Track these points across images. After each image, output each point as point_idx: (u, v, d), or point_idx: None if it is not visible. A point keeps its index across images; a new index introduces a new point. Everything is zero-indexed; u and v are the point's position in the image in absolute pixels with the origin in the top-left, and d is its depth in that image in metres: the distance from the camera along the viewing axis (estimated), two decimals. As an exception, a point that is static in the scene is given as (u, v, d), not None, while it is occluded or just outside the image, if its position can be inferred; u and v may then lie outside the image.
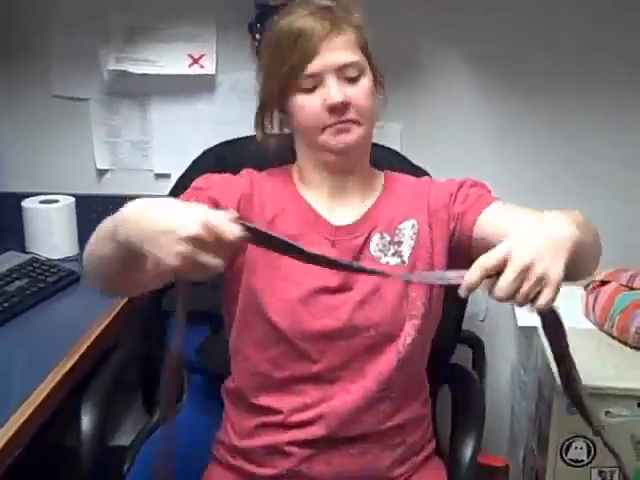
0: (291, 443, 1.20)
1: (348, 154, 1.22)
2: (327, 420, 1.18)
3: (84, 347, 1.42)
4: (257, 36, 1.83)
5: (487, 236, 1.17)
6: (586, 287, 1.82)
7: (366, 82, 1.21)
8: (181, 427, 1.44)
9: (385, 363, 1.19)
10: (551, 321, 1.01)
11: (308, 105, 1.18)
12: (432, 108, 1.89)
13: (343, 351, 1.18)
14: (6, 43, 1.92)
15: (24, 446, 1.20)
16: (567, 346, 1.06)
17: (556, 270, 0.91)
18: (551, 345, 1.09)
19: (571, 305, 1.85)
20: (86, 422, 1.32)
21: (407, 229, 1.24)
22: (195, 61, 1.91)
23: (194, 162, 1.56)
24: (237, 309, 1.22)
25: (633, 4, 1.78)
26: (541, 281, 0.90)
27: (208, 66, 1.91)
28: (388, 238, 1.24)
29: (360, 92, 1.19)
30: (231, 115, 1.91)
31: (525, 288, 0.90)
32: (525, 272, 0.89)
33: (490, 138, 1.92)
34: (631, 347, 1.66)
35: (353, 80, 1.19)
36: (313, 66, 1.16)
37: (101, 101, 1.96)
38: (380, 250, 1.23)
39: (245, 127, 1.54)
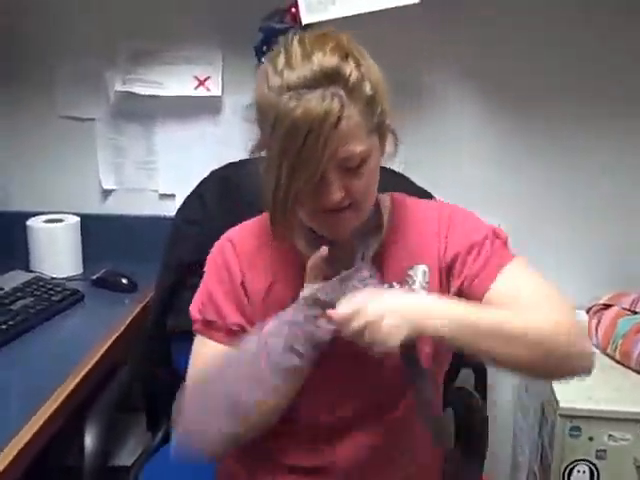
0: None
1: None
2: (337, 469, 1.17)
3: (88, 366, 1.42)
4: (263, 59, 1.84)
5: (494, 303, 1.11)
6: (588, 310, 1.83)
7: (372, 164, 1.06)
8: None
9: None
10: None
11: (312, 208, 1.06)
12: (435, 130, 1.91)
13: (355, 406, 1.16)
14: (13, 64, 1.94)
15: (27, 466, 1.19)
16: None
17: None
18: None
19: (573, 328, 1.85)
20: (89, 442, 1.32)
21: (419, 276, 1.14)
22: (201, 83, 1.92)
23: (200, 183, 1.57)
24: None
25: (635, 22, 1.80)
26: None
27: (214, 88, 1.92)
28: (397, 287, 1.11)
29: (362, 182, 1.05)
30: (236, 137, 1.92)
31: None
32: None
33: (491, 158, 1.93)
34: (634, 371, 1.67)
35: (357, 169, 1.04)
36: (313, 167, 1.00)
37: (107, 122, 1.97)
38: None
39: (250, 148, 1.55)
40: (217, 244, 1.21)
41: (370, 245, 1.15)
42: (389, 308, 1.00)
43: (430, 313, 1.03)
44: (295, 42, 1.02)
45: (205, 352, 1.15)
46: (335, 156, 1.00)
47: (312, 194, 1.03)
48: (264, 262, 1.16)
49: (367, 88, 1.03)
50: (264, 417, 1.09)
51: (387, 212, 1.20)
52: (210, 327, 1.16)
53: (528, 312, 1.07)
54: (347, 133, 1.00)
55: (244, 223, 1.23)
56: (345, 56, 1.01)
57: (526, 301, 1.10)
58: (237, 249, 1.18)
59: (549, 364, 1.08)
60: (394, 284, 1.12)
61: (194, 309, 1.18)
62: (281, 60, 1.01)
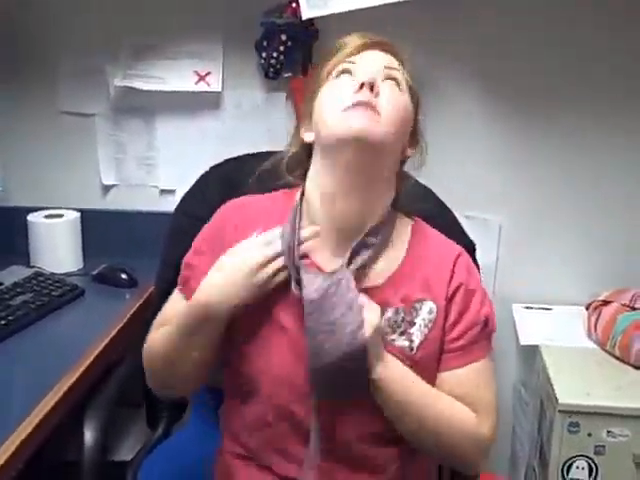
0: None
1: (361, 148, 1.08)
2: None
3: (88, 362, 1.42)
4: (263, 54, 1.85)
5: (445, 384, 1.17)
6: (588, 307, 1.83)
7: (404, 97, 1.15)
8: (186, 443, 1.46)
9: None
10: None
11: (337, 85, 1.14)
12: (435, 128, 1.89)
13: None
14: (14, 59, 1.94)
15: (26, 460, 1.20)
16: None
17: None
18: None
19: (573, 324, 1.86)
20: (89, 437, 1.33)
21: (424, 312, 1.15)
22: (201, 78, 1.92)
23: (200, 179, 1.57)
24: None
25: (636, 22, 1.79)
26: None
27: (214, 83, 1.92)
28: (402, 314, 1.14)
29: (394, 95, 1.13)
30: (236, 132, 1.93)
31: None
32: None
33: (492, 156, 1.93)
34: (633, 367, 1.67)
35: (391, 84, 1.14)
36: (355, 56, 1.16)
37: (107, 117, 1.97)
38: (390, 326, 1.13)
39: (250, 144, 1.56)
40: (222, 209, 1.26)
41: (361, 254, 1.15)
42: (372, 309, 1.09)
43: (385, 357, 1.10)
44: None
45: (170, 301, 1.24)
46: (375, 60, 1.15)
47: (347, 81, 1.13)
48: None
49: (405, 55, 1.21)
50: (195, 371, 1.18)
51: (407, 237, 1.21)
52: (186, 280, 1.22)
53: (462, 419, 1.15)
54: (389, 59, 1.17)
55: (252, 195, 1.27)
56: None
57: (471, 403, 1.16)
58: (238, 216, 1.22)
59: (442, 459, 1.25)
60: (399, 310, 1.14)
61: (184, 260, 1.25)
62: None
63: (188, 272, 1.22)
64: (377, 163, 1.12)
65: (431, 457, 1.24)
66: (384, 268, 1.16)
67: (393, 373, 1.10)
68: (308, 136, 1.19)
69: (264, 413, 1.16)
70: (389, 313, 1.14)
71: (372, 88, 1.10)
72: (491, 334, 1.21)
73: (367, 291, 1.12)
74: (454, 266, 1.18)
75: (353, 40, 1.19)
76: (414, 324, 1.14)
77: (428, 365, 1.16)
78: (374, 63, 1.15)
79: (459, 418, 1.15)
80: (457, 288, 1.17)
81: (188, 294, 1.19)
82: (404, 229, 1.21)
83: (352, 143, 1.08)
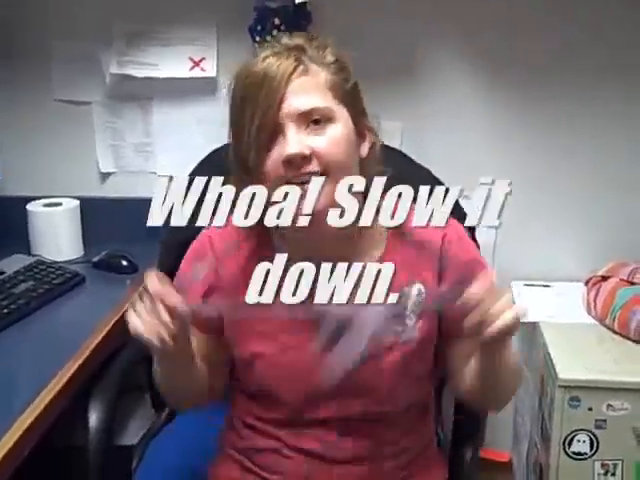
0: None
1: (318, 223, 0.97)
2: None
3: (91, 347, 1.43)
4: (257, 38, 1.84)
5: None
6: (587, 282, 1.84)
7: (335, 129, 1.04)
8: (191, 425, 1.47)
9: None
10: None
11: (271, 161, 1.03)
12: (432, 106, 1.90)
13: None
14: (8, 47, 1.94)
15: (32, 446, 1.21)
16: None
17: None
18: None
19: (572, 300, 1.87)
20: (94, 421, 1.33)
21: (413, 295, 1.12)
22: (196, 64, 1.92)
23: (199, 164, 1.57)
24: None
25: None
26: None
27: (209, 69, 1.92)
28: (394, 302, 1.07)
29: (326, 141, 1.03)
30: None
31: None
32: None
33: (491, 134, 1.93)
34: (632, 341, 1.68)
35: (317, 126, 1.03)
36: (270, 117, 1.02)
37: (103, 104, 1.97)
38: None
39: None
40: (197, 239, 1.20)
41: None
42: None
43: None
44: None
45: None
46: (290, 106, 1.02)
47: (275, 153, 1.03)
48: (237, 261, 1.14)
49: (329, 56, 1.06)
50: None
51: (383, 242, 1.16)
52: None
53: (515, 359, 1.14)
54: (305, 87, 1.03)
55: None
56: (310, 38, 1.08)
57: None
58: (215, 246, 1.17)
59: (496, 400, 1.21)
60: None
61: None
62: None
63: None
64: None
65: (483, 403, 1.23)
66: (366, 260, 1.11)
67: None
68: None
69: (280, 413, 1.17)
70: None
71: (304, 157, 1.02)
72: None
73: None
74: (441, 250, 1.15)
75: (270, 73, 1.03)
76: (405, 308, 1.12)
77: (427, 344, 1.16)
78: (293, 117, 1.03)
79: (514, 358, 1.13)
80: (447, 265, 1.14)
81: None
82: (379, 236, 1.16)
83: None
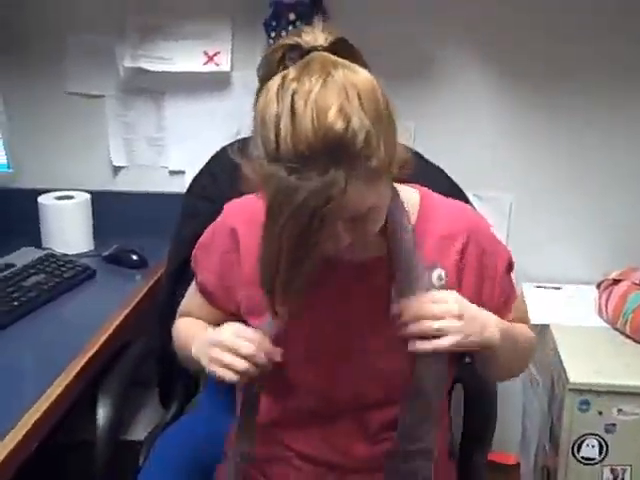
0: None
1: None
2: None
3: (100, 342, 1.43)
4: (272, 34, 1.84)
5: None
6: (598, 285, 1.83)
7: (380, 206, 0.99)
8: (199, 422, 1.46)
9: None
10: None
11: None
12: (444, 105, 1.90)
13: None
14: (22, 41, 1.94)
15: (41, 439, 1.21)
16: None
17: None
18: None
19: (584, 303, 1.86)
20: (102, 416, 1.33)
21: (434, 279, 1.10)
22: (210, 59, 1.92)
23: (211, 159, 1.56)
24: None
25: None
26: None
27: (223, 64, 1.92)
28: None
29: (371, 225, 0.99)
30: (246, 112, 1.89)
31: None
32: None
33: (502, 135, 1.92)
34: (644, 345, 1.67)
35: (364, 217, 0.96)
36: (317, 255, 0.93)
37: (116, 98, 1.97)
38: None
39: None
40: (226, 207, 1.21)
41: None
42: (469, 313, 1.05)
43: (489, 322, 1.07)
44: (297, 99, 0.88)
45: (190, 291, 1.27)
46: (338, 220, 0.93)
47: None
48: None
49: (373, 161, 0.90)
50: None
51: (416, 209, 1.14)
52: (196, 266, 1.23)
53: (530, 338, 1.23)
54: (352, 202, 0.90)
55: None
56: (348, 120, 0.87)
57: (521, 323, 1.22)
58: (244, 217, 1.17)
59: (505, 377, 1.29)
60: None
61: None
62: (279, 122, 0.88)
63: (194, 265, 1.24)
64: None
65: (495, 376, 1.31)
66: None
67: (499, 325, 1.09)
68: None
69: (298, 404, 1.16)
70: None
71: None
72: (512, 270, 1.20)
73: (372, 261, 1.10)
74: (465, 240, 1.13)
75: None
76: (426, 291, 1.09)
77: None
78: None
79: (528, 335, 1.22)
80: (466, 252, 1.13)
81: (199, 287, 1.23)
82: (411, 200, 1.14)
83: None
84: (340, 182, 0.87)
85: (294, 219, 0.88)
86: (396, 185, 1.09)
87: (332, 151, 0.86)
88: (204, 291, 1.22)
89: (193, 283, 1.26)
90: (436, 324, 1.02)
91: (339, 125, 0.86)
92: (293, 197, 0.87)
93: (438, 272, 1.11)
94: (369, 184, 0.91)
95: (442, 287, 1.10)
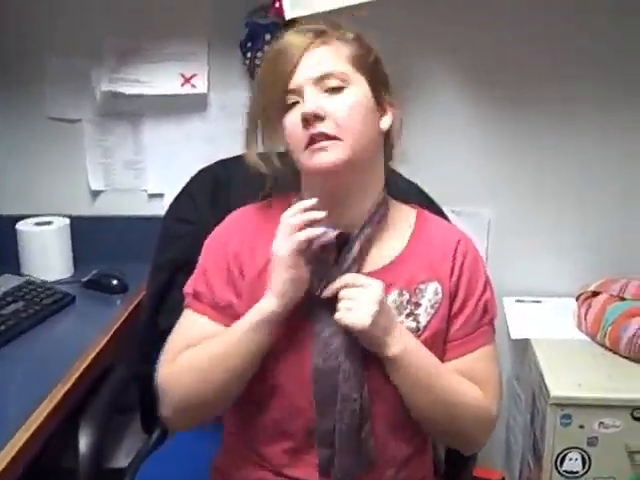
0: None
1: (330, 178, 1.12)
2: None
3: (81, 368, 1.42)
4: (248, 55, 1.85)
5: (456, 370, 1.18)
6: (577, 298, 1.84)
7: (351, 94, 1.11)
8: (182, 447, 1.46)
9: None
10: None
11: (289, 121, 1.12)
12: (420, 120, 1.90)
13: None
14: (1, 65, 1.93)
15: (23, 468, 1.20)
16: None
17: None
18: None
19: (563, 316, 1.87)
20: (84, 444, 1.32)
21: (429, 293, 1.16)
22: (187, 80, 1.92)
23: (189, 182, 1.56)
24: None
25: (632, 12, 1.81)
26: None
27: (200, 85, 1.92)
28: (407, 296, 1.16)
29: (340, 104, 1.10)
30: (223, 134, 1.92)
31: None
32: None
33: (479, 149, 1.94)
34: (623, 357, 1.68)
35: (334, 91, 1.11)
36: (292, 81, 1.11)
37: (94, 122, 1.97)
38: (396, 307, 1.14)
39: (238, 145, 1.55)
40: (220, 225, 1.25)
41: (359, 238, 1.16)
42: (385, 310, 1.09)
43: (397, 332, 1.10)
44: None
45: (188, 323, 1.21)
46: (307, 70, 1.11)
47: (296, 114, 1.10)
48: (263, 242, 1.16)
49: (349, 34, 1.16)
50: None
51: (410, 226, 1.22)
52: (198, 298, 1.20)
53: (473, 396, 1.18)
54: (324, 55, 1.12)
55: (247, 206, 1.27)
56: (332, 23, 1.18)
57: (478, 383, 1.19)
58: (238, 228, 1.21)
59: (452, 441, 1.26)
60: (404, 292, 1.16)
61: (187, 286, 1.23)
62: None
63: (202, 289, 1.20)
64: (359, 170, 1.14)
65: (441, 437, 1.27)
66: (387, 253, 1.18)
67: (408, 344, 1.11)
68: (275, 147, 1.20)
69: (281, 419, 1.16)
70: (393, 295, 1.15)
71: (318, 116, 1.09)
72: (493, 319, 1.23)
73: (369, 275, 1.14)
74: (456, 251, 1.20)
75: (286, 48, 1.14)
76: (420, 305, 1.16)
77: (435, 345, 1.17)
78: (311, 80, 1.11)
79: (470, 394, 1.17)
80: (460, 271, 1.19)
81: (206, 312, 1.19)
82: (407, 216, 1.24)
83: (327, 175, 1.12)
84: (313, 34, 1.14)
85: (272, 57, 1.14)
86: (395, 203, 1.23)
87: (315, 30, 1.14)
88: (224, 306, 1.18)
89: (189, 313, 1.22)
90: (346, 296, 1.08)
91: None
92: (279, 42, 1.15)
93: (434, 286, 1.17)
94: (341, 54, 1.13)
95: (437, 301, 1.16)
